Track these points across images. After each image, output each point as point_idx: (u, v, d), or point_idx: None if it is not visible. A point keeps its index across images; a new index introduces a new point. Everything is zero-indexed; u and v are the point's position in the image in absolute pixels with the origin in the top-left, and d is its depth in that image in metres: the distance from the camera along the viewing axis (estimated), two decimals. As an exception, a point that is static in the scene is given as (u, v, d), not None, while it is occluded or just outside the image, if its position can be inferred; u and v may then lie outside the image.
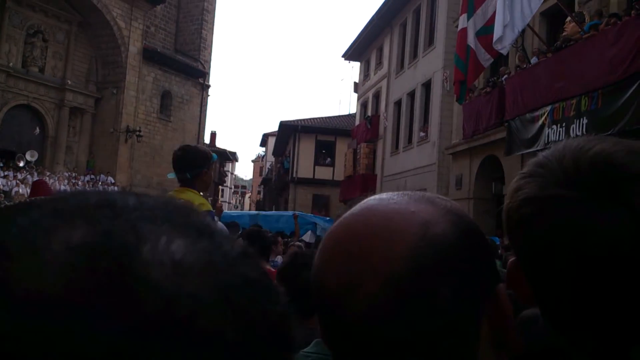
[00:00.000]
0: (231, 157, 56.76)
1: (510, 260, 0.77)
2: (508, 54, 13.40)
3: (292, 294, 2.37)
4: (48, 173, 27.41)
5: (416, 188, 21.31)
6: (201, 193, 3.19)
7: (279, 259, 6.44)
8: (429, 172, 20.23)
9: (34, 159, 28.47)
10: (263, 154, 62.52)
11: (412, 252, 0.59)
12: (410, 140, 23.23)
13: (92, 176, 30.69)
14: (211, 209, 3.09)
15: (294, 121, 36.24)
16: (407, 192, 0.69)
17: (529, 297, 0.74)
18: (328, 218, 14.56)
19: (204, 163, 3.19)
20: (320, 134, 34.42)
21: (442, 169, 19.20)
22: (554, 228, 0.69)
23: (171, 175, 3.20)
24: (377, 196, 0.70)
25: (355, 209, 0.68)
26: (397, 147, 24.66)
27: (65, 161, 30.62)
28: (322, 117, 37.28)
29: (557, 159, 0.73)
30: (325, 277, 0.64)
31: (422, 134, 21.79)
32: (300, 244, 8.07)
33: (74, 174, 29.55)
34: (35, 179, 25.66)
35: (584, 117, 9.96)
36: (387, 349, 0.59)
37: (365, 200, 0.70)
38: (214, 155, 3.28)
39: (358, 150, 28.25)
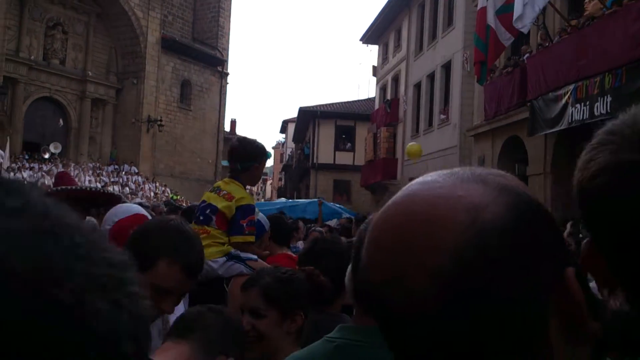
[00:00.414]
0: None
1: (584, 242, 0.71)
2: (529, 32, 13.15)
3: (310, 283, 2.37)
4: (73, 164, 27.84)
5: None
6: (247, 187, 3.19)
7: (300, 244, 6.47)
8: (451, 154, 20.06)
9: (57, 151, 28.94)
10: (283, 140, 62.59)
11: (457, 244, 0.54)
12: (430, 123, 23.03)
13: (116, 166, 31.10)
14: (252, 203, 3.09)
15: (313, 107, 36.16)
16: (456, 170, 0.62)
17: (610, 282, 0.68)
18: (355, 213, 14.57)
19: (256, 158, 3.17)
20: (340, 119, 34.30)
21: (464, 151, 19.02)
22: (635, 195, 0.62)
23: (224, 163, 3.18)
24: (421, 179, 0.64)
25: (397, 196, 0.63)
26: (417, 130, 24.47)
27: (89, 152, 31.08)
28: (341, 102, 37.13)
29: (628, 125, 0.67)
30: (369, 271, 0.61)
31: (442, 116, 21.58)
32: (321, 229, 8.08)
33: (98, 165, 29.96)
34: (59, 170, 26.12)
35: (608, 95, 9.75)
36: (437, 344, 0.55)
37: (409, 184, 0.64)
38: (269, 152, 3.29)
39: (378, 135, 28.11)
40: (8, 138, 24.22)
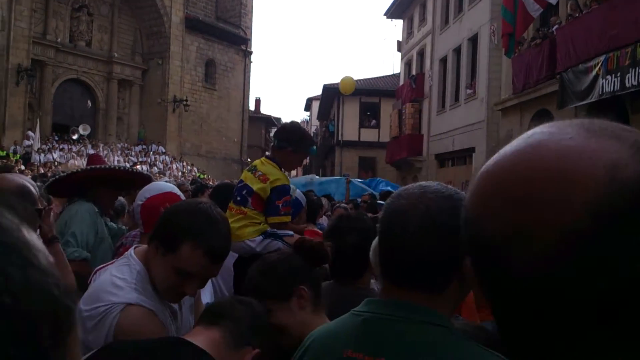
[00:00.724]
0: (276, 123, 56.97)
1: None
2: (558, 3, 12.80)
3: (339, 257, 2.37)
4: (102, 145, 28.28)
5: (464, 147, 20.95)
6: (284, 171, 3.17)
7: (324, 220, 6.50)
8: (478, 129, 19.79)
9: (87, 133, 29.39)
10: (308, 118, 62.44)
11: (595, 201, 0.50)
12: (457, 98, 22.71)
13: (144, 146, 31.49)
14: (287, 183, 3.10)
15: (337, 84, 35.90)
16: (581, 121, 0.57)
17: None
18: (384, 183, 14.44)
19: (292, 143, 3.15)
20: (364, 95, 34.02)
21: (492, 126, 18.74)
22: None
23: (279, 145, 3.21)
24: (543, 128, 0.59)
25: (518, 144, 0.58)
26: (443, 105, 24.17)
27: (117, 133, 31.49)
28: (365, 79, 36.79)
29: None
30: (484, 225, 0.57)
31: (469, 90, 21.24)
32: (346, 205, 8.10)
33: (126, 145, 30.38)
34: (89, 151, 26.57)
35: (640, 66, 9.49)
36: (559, 308, 0.52)
37: (528, 133, 0.59)
38: (313, 148, 3.28)
39: (403, 111, 27.85)
40: (38, 120, 24.69)
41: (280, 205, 3.02)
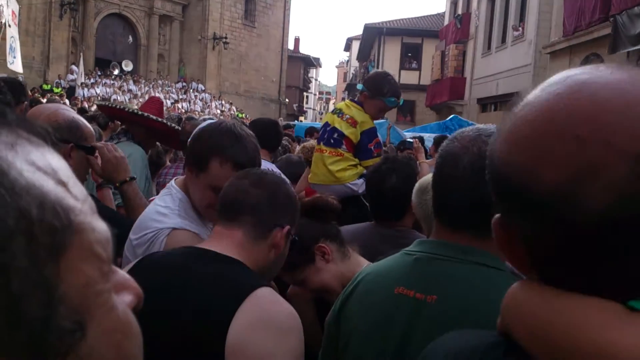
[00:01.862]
0: (315, 63, 56.26)
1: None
2: (620, -62, 11.99)
3: (378, 199, 2.36)
4: (143, 81, 28.56)
5: (509, 91, 20.34)
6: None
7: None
8: (524, 73, 19.15)
9: (129, 69, 29.66)
10: (347, 59, 61.40)
11: None
12: (504, 40, 21.90)
13: (184, 83, 31.66)
14: (374, 125, 3.16)
15: (378, 23, 35.01)
16: (602, 65, 0.58)
17: None
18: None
19: (372, 89, 3.16)
20: (407, 36, 33.13)
21: (539, 70, 18.09)
22: None
23: (359, 87, 3.28)
24: (576, 71, 0.58)
25: (553, 88, 0.57)
26: (489, 47, 23.36)
27: (158, 69, 31.67)
28: (408, 19, 35.73)
29: None
30: (539, 176, 0.55)
31: (516, 32, 20.42)
32: (385, 148, 8.04)
33: (167, 82, 30.61)
34: (130, 87, 26.87)
35: None
36: (631, 246, 0.52)
37: (557, 78, 0.58)
38: (391, 99, 3.18)
39: (446, 52, 27.07)
40: (81, 54, 24.97)
41: (372, 147, 3.11)
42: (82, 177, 2.23)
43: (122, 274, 0.45)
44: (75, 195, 0.39)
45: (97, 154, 2.25)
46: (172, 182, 1.98)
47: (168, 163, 4.31)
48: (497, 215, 0.62)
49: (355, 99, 3.26)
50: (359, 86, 3.24)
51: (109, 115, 4.63)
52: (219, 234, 1.46)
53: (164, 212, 1.83)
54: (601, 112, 0.52)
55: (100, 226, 0.41)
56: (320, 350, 1.46)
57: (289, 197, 1.53)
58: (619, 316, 0.53)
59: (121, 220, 2.24)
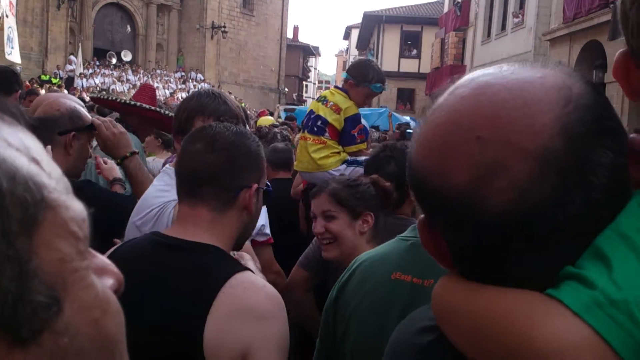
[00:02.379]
0: (314, 52, 56.02)
1: (619, 52, 0.66)
2: None
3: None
4: (142, 71, 28.46)
5: (508, 79, 20.22)
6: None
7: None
8: (524, 60, 19.03)
9: (128, 59, 29.55)
10: (346, 47, 61.16)
11: (561, 120, 0.53)
12: (503, 27, 21.78)
13: (182, 73, 31.56)
14: (357, 112, 3.20)
15: (378, 11, 34.82)
16: (505, 65, 0.60)
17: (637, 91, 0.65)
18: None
19: (356, 77, 3.22)
20: (406, 24, 32.95)
21: (539, 57, 17.99)
22: None
23: (344, 75, 3.32)
24: (480, 73, 0.60)
25: (459, 91, 0.58)
26: (488, 34, 23.24)
27: (156, 59, 31.55)
28: (407, 6, 35.51)
29: None
30: (447, 177, 0.56)
31: (516, 19, 20.32)
32: (387, 136, 8.05)
33: (165, 72, 30.51)
34: (129, 77, 26.78)
35: None
36: (537, 240, 0.54)
37: (463, 81, 0.60)
38: (376, 85, 3.25)
39: (446, 40, 26.95)
40: (80, 44, 24.87)
41: (356, 134, 3.15)
42: (82, 166, 2.24)
43: (102, 258, 0.44)
44: (49, 173, 0.38)
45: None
46: (167, 165, 2.02)
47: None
48: (421, 216, 0.65)
49: (341, 87, 3.30)
50: (344, 74, 3.28)
51: (103, 107, 4.65)
52: (184, 215, 1.35)
53: (165, 189, 1.84)
54: (500, 111, 0.54)
55: (76, 205, 0.40)
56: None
57: (249, 152, 1.38)
58: (540, 305, 0.54)
59: (124, 201, 2.23)
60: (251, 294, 1.23)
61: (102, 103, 3.83)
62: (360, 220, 1.93)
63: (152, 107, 3.27)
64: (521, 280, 0.56)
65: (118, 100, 3.41)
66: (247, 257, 1.53)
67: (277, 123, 9.89)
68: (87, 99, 13.97)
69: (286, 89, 40.31)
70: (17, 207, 0.34)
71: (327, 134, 3.10)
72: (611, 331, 0.49)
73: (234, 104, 1.87)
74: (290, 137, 7.31)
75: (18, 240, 0.34)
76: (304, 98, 48.94)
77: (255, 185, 1.36)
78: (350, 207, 1.93)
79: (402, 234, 1.28)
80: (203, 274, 1.24)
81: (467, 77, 0.61)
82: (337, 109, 3.13)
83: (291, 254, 2.60)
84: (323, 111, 3.15)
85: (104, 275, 0.43)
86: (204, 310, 1.17)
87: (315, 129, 3.14)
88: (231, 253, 1.40)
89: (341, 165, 3.09)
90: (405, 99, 32.20)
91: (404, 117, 14.38)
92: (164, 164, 3.82)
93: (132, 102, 3.25)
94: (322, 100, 3.23)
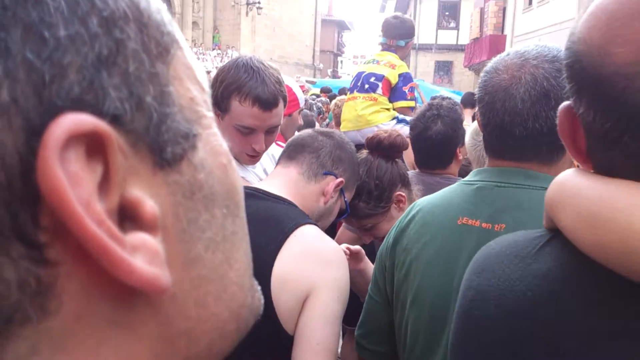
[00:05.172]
0: (349, 26, 55.39)
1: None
2: None
3: (424, 146, 2.27)
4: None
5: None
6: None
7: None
8: (569, 29, 18.38)
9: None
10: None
11: None
12: (546, -6, 21.04)
13: (219, 51, 31.68)
14: (408, 70, 3.31)
15: (414, -18, 34.09)
16: None
17: None
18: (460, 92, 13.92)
19: (411, 33, 3.38)
20: (444, -7, 32.19)
21: (583, 24, 17.36)
22: None
23: (383, 40, 3.43)
24: None
25: None
26: (530, 2, 22.49)
27: (192, 37, 31.73)
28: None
29: None
30: (611, 54, 0.53)
31: (560, -15, 19.58)
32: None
33: (201, 50, 30.67)
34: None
35: None
36: None
37: None
38: (400, 41, 3.44)
39: (486, 9, 26.19)
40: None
41: (407, 90, 3.21)
42: None
43: None
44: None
45: None
46: None
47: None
48: (565, 103, 0.60)
49: (386, 48, 3.38)
50: (382, 39, 3.36)
51: None
52: (275, 173, 1.49)
53: None
54: None
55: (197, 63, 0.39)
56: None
57: (352, 157, 1.55)
58: None
59: None
60: (319, 242, 1.32)
61: None
62: (392, 204, 1.73)
63: None
64: None
65: None
66: None
67: (316, 95, 9.75)
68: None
69: (321, 65, 40.05)
70: (155, 29, 0.33)
71: (379, 90, 3.14)
72: None
73: (272, 80, 1.72)
74: (324, 109, 7.23)
75: (157, 63, 0.33)
76: (338, 74, 48.60)
77: (342, 180, 1.48)
78: (377, 210, 1.72)
79: (465, 178, 1.19)
80: (276, 219, 1.32)
81: None
82: (392, 66, 3.21)
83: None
84: (376, 69, 3.21)
85: None
86: (274, 252, 1.25)
87: (367, 85, 3.18)
88: None
89: (391, 121, 3.12)
90: (443, 71, 31.59)
91: (436, 89, 13.98)
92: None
93: None
94: (372, 61, 3.31)
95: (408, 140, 1.86)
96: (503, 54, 1.19)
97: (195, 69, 0.38)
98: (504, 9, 25.10)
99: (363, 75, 3.24)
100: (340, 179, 1.48)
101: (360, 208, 1.72)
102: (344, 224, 2.17)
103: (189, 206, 0.33)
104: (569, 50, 0.60)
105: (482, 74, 1.19)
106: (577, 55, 0.57)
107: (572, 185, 0.59)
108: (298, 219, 1.32)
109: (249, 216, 1.34)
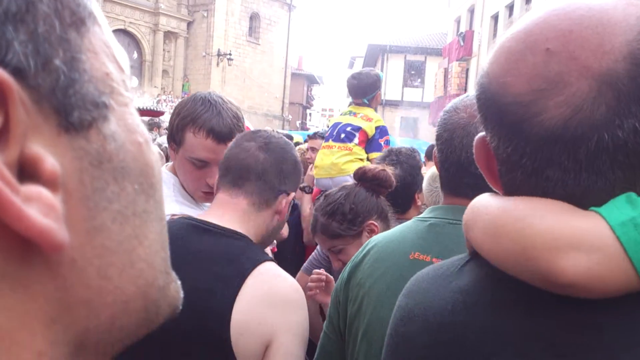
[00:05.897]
0: (318, 80, 56.54)
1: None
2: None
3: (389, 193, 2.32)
4: (147, 96, 28.72)
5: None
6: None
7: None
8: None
9: (134, 85, 29.85)
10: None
11: (631, 46, 0.53)
12: (506, 57, 22.02)
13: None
14: (384, 124, 3.42)
15: (381, 44, 35.28)
16: None
17: None
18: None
19: (376, 86, 3.44)
20: (410, 53, 33.31)
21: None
22: None
23: (365, 101, 3.51)
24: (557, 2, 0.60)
25: (539, 13, 0.59)
26: (491, 65, 23.48)
27: (162, 85, 31.88)
28: (411, 37, 35.96)
29: None
30: (509, 85, 0.57)
31: (519, 50, 20.56)
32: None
33: (170, 98, 30.78)
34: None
35: None
36: (592, 155, 0.53)
37: (543, 8, 0.61)
38: (380, 73, 3.55)
39: (449, 70, 27.19)
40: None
41: (382, 143, 3.31)
42: None
43: None
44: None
45: None
46: (163, 167, 1.90)
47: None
48: (481, 133, 0.65)
49: (359, 102, 3.47)
50: (367, 98, 3.44)
51: None
52: (221, 202, 1.38)
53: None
54: (574, 27, 0.55)
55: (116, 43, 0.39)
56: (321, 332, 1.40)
57: (295, 162, 1.47)
58: (563, 209, 0.55)
59: None
60: (279, 281, 1.27)
61: None
62: (365, 232, 1.77)
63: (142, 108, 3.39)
64: (560, 199, 0.57)
65: None
66: None
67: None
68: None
69: (290, 116, 40.53)
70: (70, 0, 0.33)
71: (356, 140, 3.24)
72: (637, 251, 0.50)
73: (229, 114, 1.72)
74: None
75: (70, 30, 0.33)
76: (307, 126, 49.17)
77: (293, 194, 1.43)
78: (348, 232, 1.77)
79: (420, 215, 1.22)
80: (233, 259, 1.26)
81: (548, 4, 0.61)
82: (369, 119, 3.33)
83: (293, 263, 2.55)
84: (353, 120, 3.32)
85: None
86: (233, 295, 1.20)
87: (343, 135, 3.28)
88: None
89: None
90: (409, 127, 32.31)
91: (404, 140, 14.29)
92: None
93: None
94: (349, 113, 3.43)
95: (393, 178, 1.88)
96: (462, 96, 1.25)
97: (114, 50, 0.38)
98: (467, 70, 26.09)
99: (339, 125, 3.34)
100: (291, 194, 1.43)
101: (333, 227, 1.76)
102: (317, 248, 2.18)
103: (96, 174, 0.33)
104: (477, 84, 0.65)
105: (441, 114, 1.24)
106: (483, 87, 0.63)
107: (481, 205, 0.64)
108: (255, 257, 1.28)
109: (206, 253, 1.30)
